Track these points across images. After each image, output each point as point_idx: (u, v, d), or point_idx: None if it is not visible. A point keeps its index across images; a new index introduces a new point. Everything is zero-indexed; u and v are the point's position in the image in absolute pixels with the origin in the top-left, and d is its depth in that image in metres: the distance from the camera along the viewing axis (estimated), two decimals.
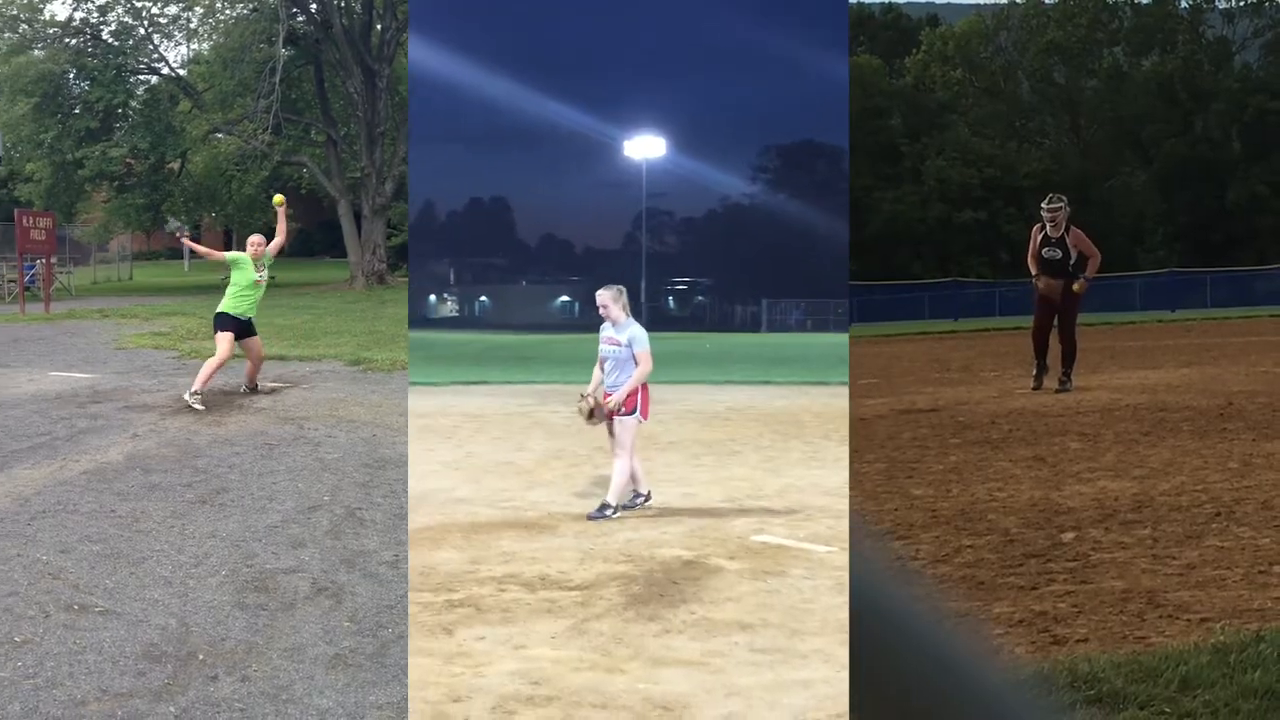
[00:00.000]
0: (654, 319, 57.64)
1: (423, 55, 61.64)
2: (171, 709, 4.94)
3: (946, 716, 0.95)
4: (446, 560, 6.64)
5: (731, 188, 77.31)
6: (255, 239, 14.47)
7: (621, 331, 8.18)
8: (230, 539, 7.57)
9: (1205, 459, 9.27)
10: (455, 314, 75.03)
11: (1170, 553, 6.32)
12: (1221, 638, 4.80)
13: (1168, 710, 4.13)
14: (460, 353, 28.98)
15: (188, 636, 5.79)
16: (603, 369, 8.27)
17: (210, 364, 13.44)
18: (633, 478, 8.17)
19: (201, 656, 5.53)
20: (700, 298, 74.49)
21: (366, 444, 11.03)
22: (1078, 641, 4.96)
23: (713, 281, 73.72)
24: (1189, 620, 5.19)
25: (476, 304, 77.04)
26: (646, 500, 8.26)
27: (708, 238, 73.91)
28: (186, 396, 13.06)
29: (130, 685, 5.20)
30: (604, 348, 8.26)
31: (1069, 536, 6.78)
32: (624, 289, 8.40)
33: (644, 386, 8.18)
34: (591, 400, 8.21)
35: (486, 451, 11.18)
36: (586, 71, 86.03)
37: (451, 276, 78.72)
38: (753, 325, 64.06)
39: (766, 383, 20.20)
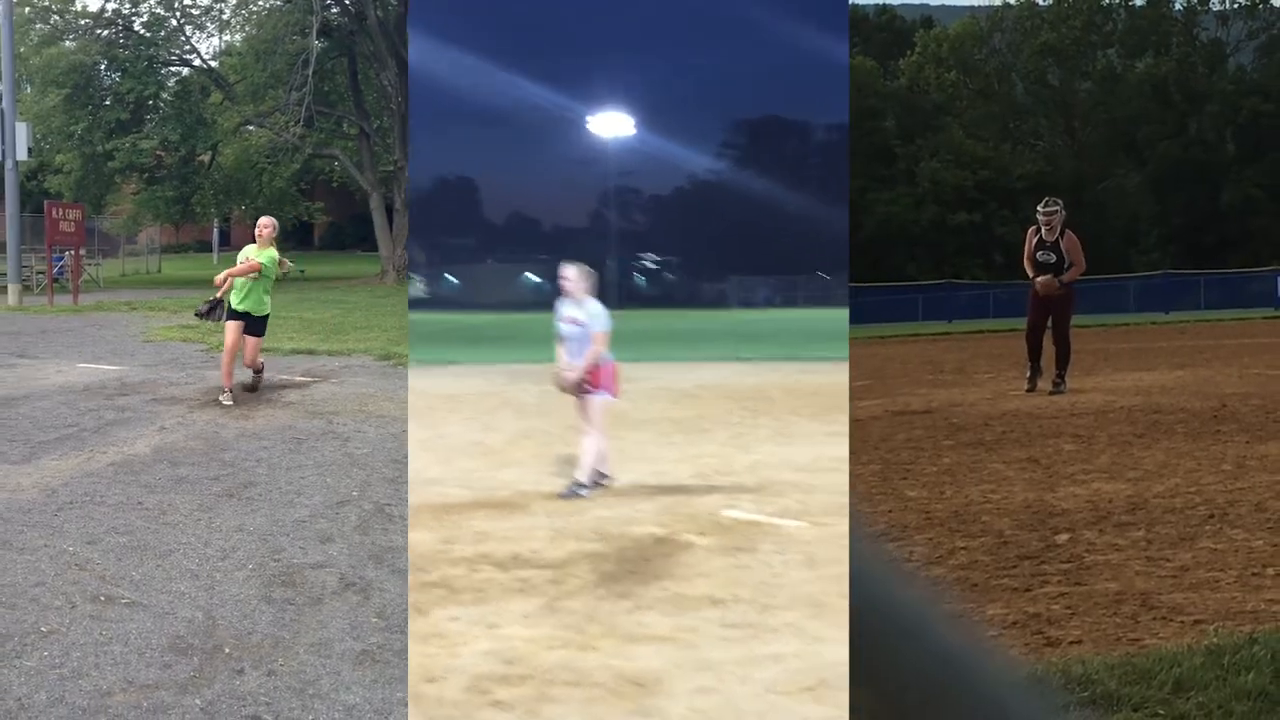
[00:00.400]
0: (622, 296, 57.54)
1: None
2: (197, 702, 4.93)
3: (946, 711, 0.95)
4: (419, 541, 6.58)
5: (698, 165, 76.59)
6: (263, 221, 13.97)
7: (581, 308, 7.96)
8: (257, 533, 7.55)
9: (1199, 461, 9.24)
10: (424, 295, 74.63)
11: (1164, 555, 6.29)
12: (1215, 640, 4.77)
13: (1162, 712, 4.11)
14: (428, 333, 28.69)
15: (214, 630, 5.77)
16: (564, 349, 8.05)
17: (223, 358, 13.28)
18: (599, 457, 7.99)
19: (228, 650, 5.52)
20: (669, 275, 74.05)
21: (396, 439, 10.96)
22: (1071, 643, 4.94)
23: (681, 259, 73.24)
24: (1183, 622, 5.16)
25: (443, 283, 76.51)
26: (609, 481, 8.06)
27: (676, 215, 73.34)
28: (220, 398, 12.87)
29: (156, 677, 5.18)
30: (564, 327, 8.01)
31: (1063, 538, 6.75)
32: (595, 272, 8.20)
33: (614, 365, 8.04)
34: (556, 379, 8.08)
35: (457, 432, 11.07)
36: (551, 48, 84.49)
37: (419, 256, 78.33)
38: (721, 302, 63.65)
39: (735, 359, 20.15)
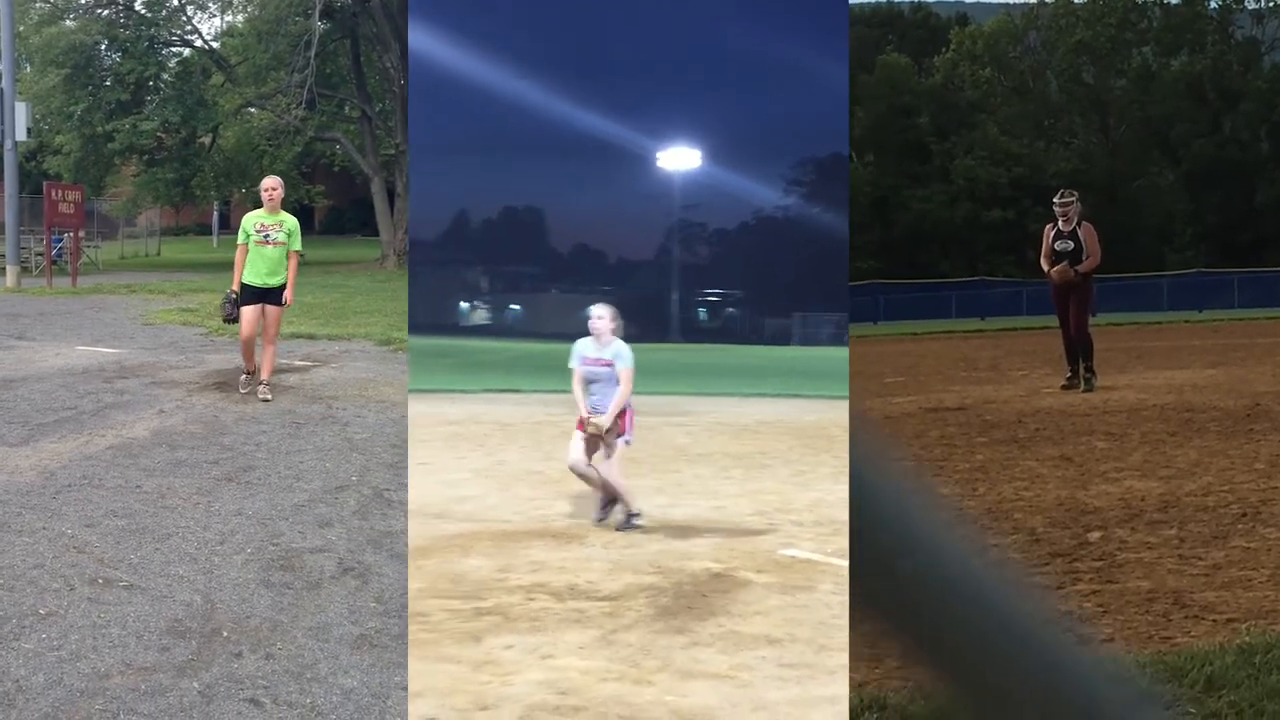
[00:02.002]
0: (685, 330, 58.38)
1: (447, 56, 62.00)
2: (195, 684, 4.95)
3: (945, 618, 0.95)
4: (476, 568, 6.63)
5: (765, 200, 77.25)
6: (273, 182, 13.14)
7: (606, 349, 7.89)
8: (256, 517, 7.58)
9: (1232, 459, 9.24)
10: (487, 322, 75.37)
11: (1196, 553, 6.31)
12: (1247, 638, 4.78)
13: (1193, 711, 4.11)
14: (491, 360, 28.85)
15: (212, 613, 5.80)
16: (585, 389, 7.94)
17: (243, 347, 12.57)
18: (611, 492, 7.86)
19: (226, 633, 5.54)
20: (731, 310, 74.46)
21: (395, 424, 11.02)
22: (1103, 641, 4.94)
23: (744, 294, 73.67)
24: (1215, 621, 5.19)
25: (508, 312, 77.47)
26: (604, 516, 7.92)
27: (740, 250, 73.81)
28: (259, 390, 12.16)
29: (154, 660, 5.21)
30: (589, 369, 7.91)
31: (1095, 536, 6.77)
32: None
33: (628, 407, 7.92)
34: (593, 427, 7.85)
35: (516, 460, 11.09)
36: (621, 81, 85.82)
37: (484, 284, 79.12)
38: (784, 338, 63.93)
39: (797, 396, 20.05)
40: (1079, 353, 14.81)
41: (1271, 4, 69.16)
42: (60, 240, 35.06)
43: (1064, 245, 14.94)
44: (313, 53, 40.71)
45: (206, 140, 46.68)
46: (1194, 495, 7.85)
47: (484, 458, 11.15)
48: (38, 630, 5.50)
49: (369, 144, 45.17)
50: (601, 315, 7.94)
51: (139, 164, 46.41)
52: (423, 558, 6.88)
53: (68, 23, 42.96)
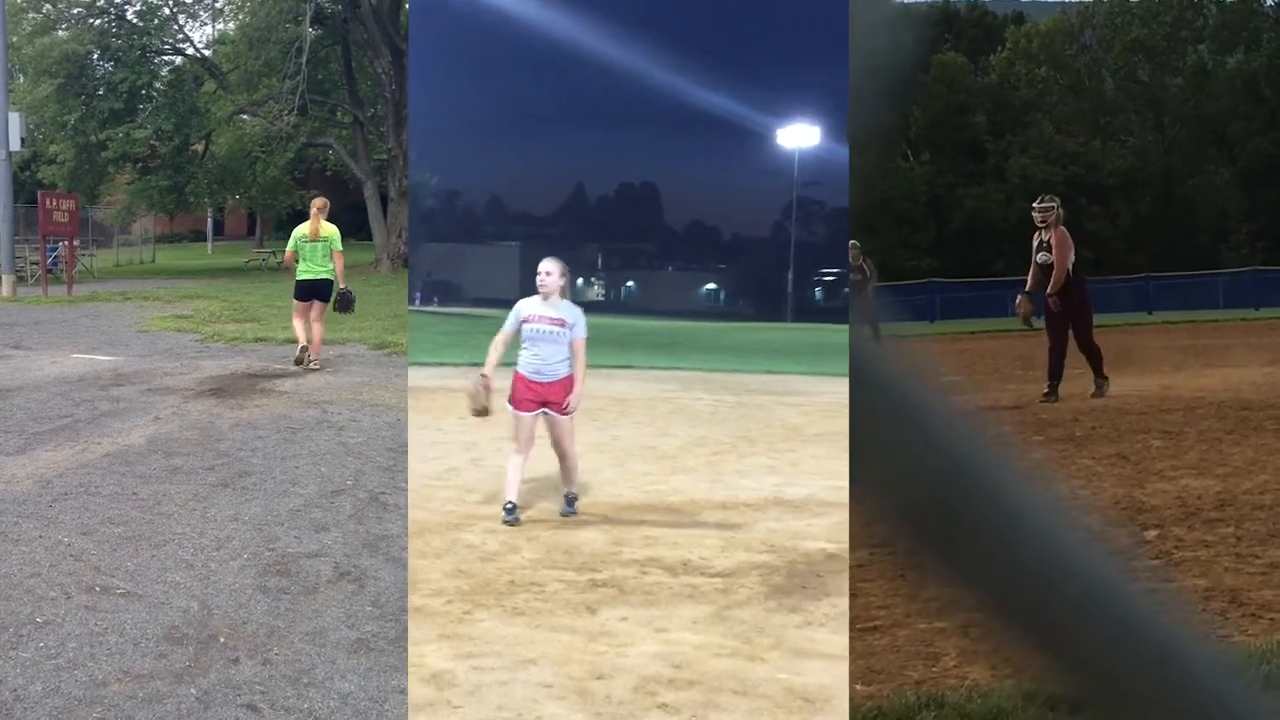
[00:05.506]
0: (800, 309, 58.54)
1: (563, 28, 63.05)
2: (193, 691, 4.98)
3: (945, 503, 0.96)
4: (590, 540, 6.89)
5: None
6: (322, 202, 16.85)
7: (560, 310, 7.69)
8: (252, 522, 7.65)
9: None
10: (601, 298, 76.08)
11: (1253, 551, 6.38)
12: None
13: None
14: (605, 337, 29.21)
15: (209, 619, 5.84)
16: (520, 346, 7.69)
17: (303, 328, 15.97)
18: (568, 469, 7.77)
19: (223, 639, 5.58)
20: (847, 289, 74.98)
21: (391, 428, 11.16)
22: None
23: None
24: (1272, 619, 5.24)
25: (623, 289, 78.32)
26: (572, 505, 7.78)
27: None
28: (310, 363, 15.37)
29: (151, 667, 5.24)
30: (537, 326, 7.63)
31: (1152, 534, 6.83)
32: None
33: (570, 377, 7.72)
34: (484, 388, 7.71)
35: (630, 435, 11.44)
36: (741, 57, 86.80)
37: (599, 261, 79.83)
38: None
39: None
40: (1090, 363, 14.56)
41: None
42: (55, 249, 35.55)
43: (1045, 258, 14.59)
44: (304, 59, 41.67)
45: (200, 147, 47.59)
46: (1251, 493, 7.92)
47: (598, 432, 11.38)
48: (35, 639, 5.55)
49: (362, 149, 46.14)
50: (550, 271, 7.68)
51: (133, 172, 47.13)
52: (536, 529, 7.11)
53: (60, 33, 43.72)
